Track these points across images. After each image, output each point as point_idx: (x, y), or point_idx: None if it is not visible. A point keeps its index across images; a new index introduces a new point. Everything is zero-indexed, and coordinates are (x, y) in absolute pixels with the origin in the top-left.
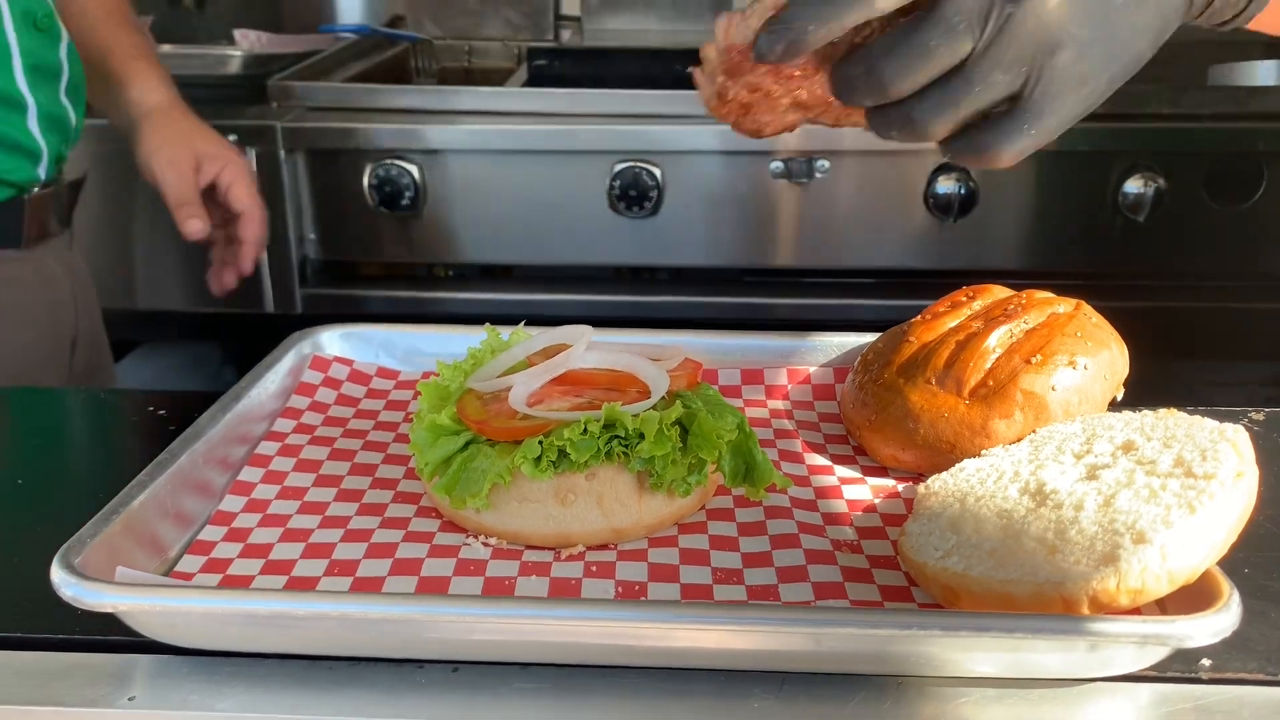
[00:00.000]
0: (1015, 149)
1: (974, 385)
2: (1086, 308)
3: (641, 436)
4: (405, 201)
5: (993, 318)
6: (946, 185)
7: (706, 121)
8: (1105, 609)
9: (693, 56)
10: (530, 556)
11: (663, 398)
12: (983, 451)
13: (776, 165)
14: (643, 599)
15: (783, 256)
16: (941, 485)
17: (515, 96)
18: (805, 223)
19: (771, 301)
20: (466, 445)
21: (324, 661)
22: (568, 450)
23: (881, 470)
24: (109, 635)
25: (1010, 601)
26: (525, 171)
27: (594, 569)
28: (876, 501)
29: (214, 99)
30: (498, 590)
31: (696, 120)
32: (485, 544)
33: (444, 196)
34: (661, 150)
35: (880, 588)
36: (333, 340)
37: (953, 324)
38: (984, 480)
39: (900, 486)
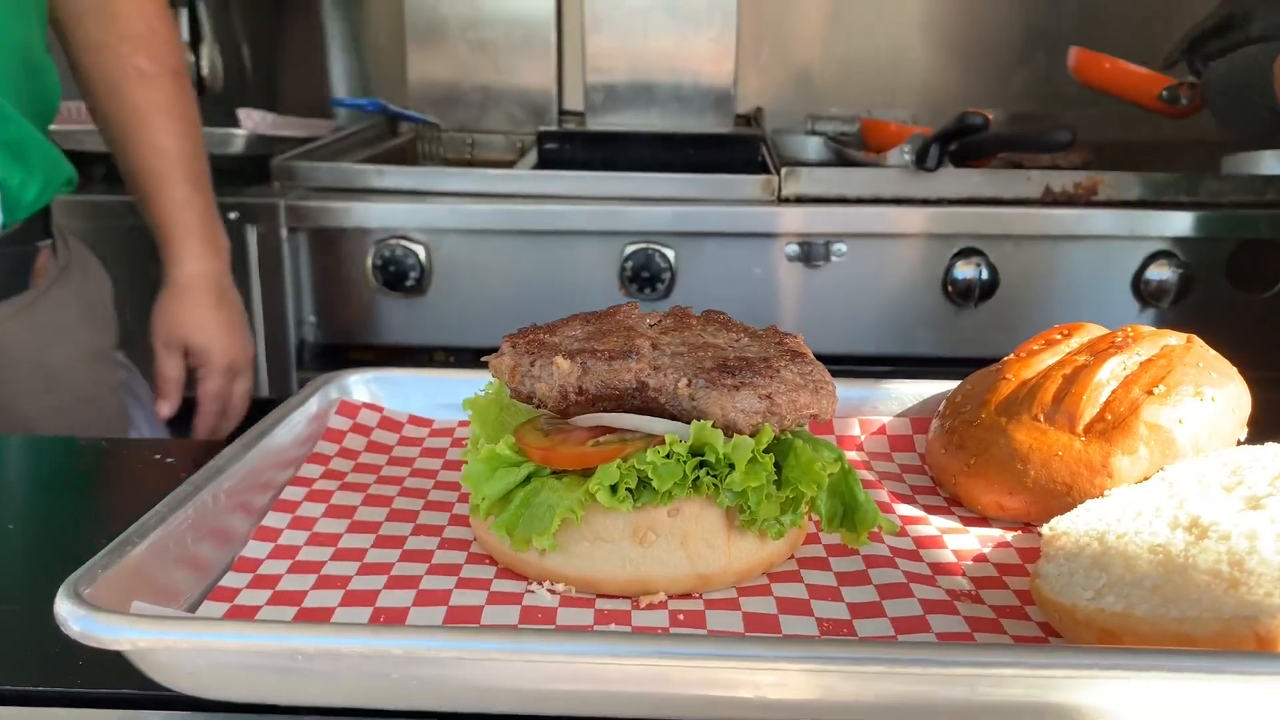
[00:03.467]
0: None
1: (1089, 420)
2: (1200, 341)
3: (732, 467)
4: (410, 282)
5: (1099, 351)
6: (966, 270)
7: (720, 203)
8: None
9: (705, 141)
10: (605, 605)
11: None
12: (1106, 492)
13: (792, 248)
14: (753, 635)
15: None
16: (1070, 525)
17: (525, 179)
18: (820, 307)
19: None
20: (529, 478)
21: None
22: (649, 477)
23: (983, 521)
24: (119, 688)
25: (1189, 642)
26: (535, 253)
27: (680, 618)
28: (986, 551)
29: (216, 180)
30: None
31: (710, 202)
32: (551, 591)
33: (450, 278)
34: (674, 232)
35: (1014, 639)
36: (360, 385)
37: (1052, 360)
38: (1120, 518)
39: (1009, 536)
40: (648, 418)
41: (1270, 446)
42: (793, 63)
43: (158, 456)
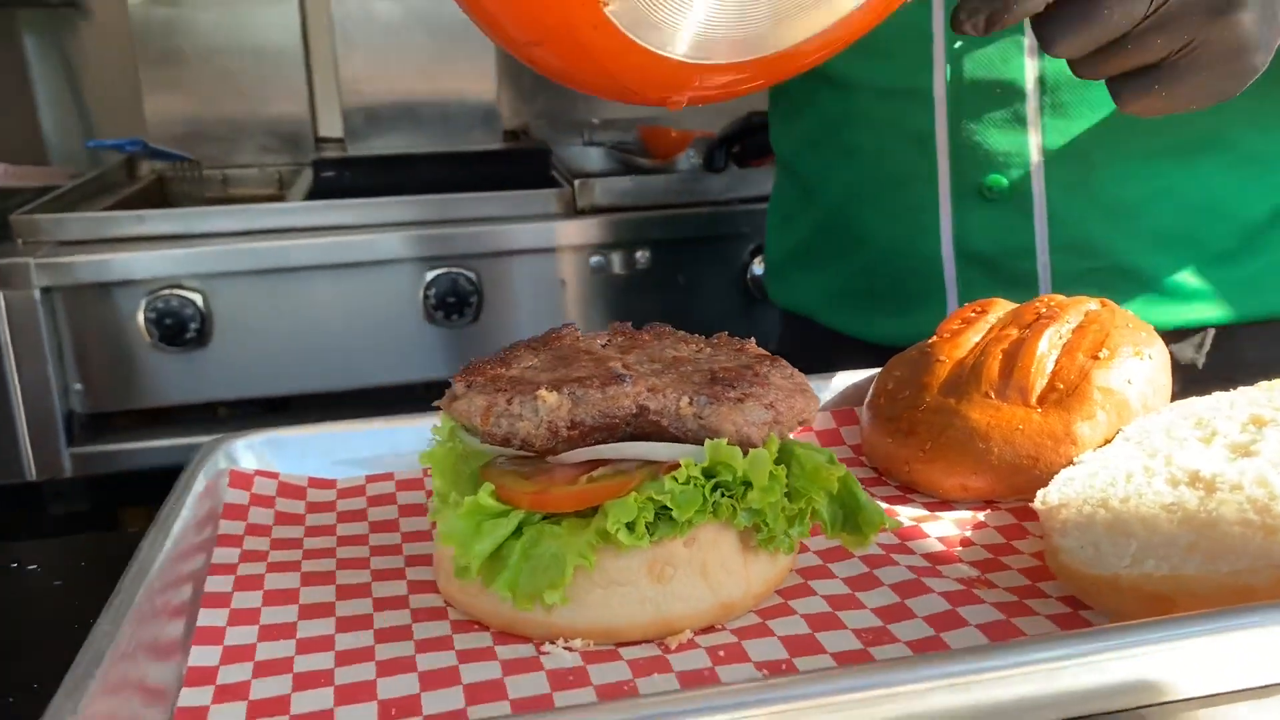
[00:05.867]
0: (1140, 104)
1: (1041, 391)
2: (1113, 303)
3: (746, 484)
4: (190, 334)
5: (1028, 323)
6: (762, 266)
7: (517, 220)
8: None
9: (491, 158)
10: (632, 654)
11: None
12: (1075, 459)
13: (596, 259)
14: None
15: None
16: (1063, 498)
17: (305, 211)
18: (632, 315)
19: None
20: (519, 528)
21: None
22: (670, 507)
23: (944, 505)
24: None
25: (1250, 593)
26: (325, 290)
27: (721, 654)
28: (967, 534)
29: None
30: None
31: (507, 220)
32: (568, 648)
33: (233, 325)
34: (474, 253)
35: (1049, 618)
36: (248, 451)
37: (976, 337)
38: (1112, 483)
39: (981, 515)
40: (652, 444)
41: (1218, 396)
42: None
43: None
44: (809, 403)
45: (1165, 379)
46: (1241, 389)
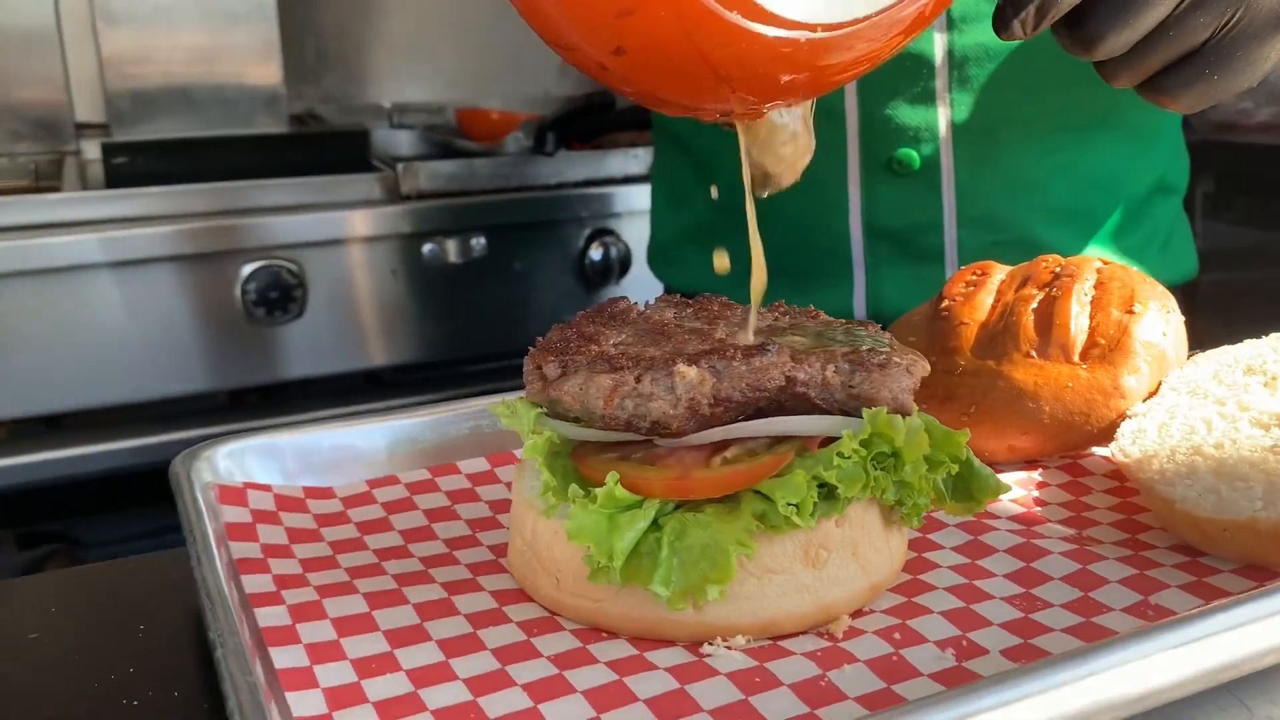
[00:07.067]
0: (1191, 94)
1: (1083, 348)
2: (1113, 261)
3: (894, 455)
4: None
5: (1046, 282)
6: (599, 251)
7: (339, 207)
8: None
9: (304, 141)
10: (801, 646)
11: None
12: (1127, 412)
13: (430, 247)
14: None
15: (445, 346)
16: (1145, 451)
17: (97, 201)
18: (473, 304)
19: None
20: (655, 520)
21: None
22: (835, 484)
23: (992, 467)
24: None
25: None
26: (123, 290)
27: (897, 637)
28: (1035, 494)
29: None
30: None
31: (327, 207)
32: (728, 647)
33: (15, 332)
34: (295, 243)
35: (1173, 568)
36: (228, 461)
37: (990, 299)
38: (1191, 432)
39: (1036, 475)
40: (802, 418)
41: (1250, 343)
42: (342, 58)
43: None
44: (923, 365)
45: (1184, 331)
46: (1274, 334)
